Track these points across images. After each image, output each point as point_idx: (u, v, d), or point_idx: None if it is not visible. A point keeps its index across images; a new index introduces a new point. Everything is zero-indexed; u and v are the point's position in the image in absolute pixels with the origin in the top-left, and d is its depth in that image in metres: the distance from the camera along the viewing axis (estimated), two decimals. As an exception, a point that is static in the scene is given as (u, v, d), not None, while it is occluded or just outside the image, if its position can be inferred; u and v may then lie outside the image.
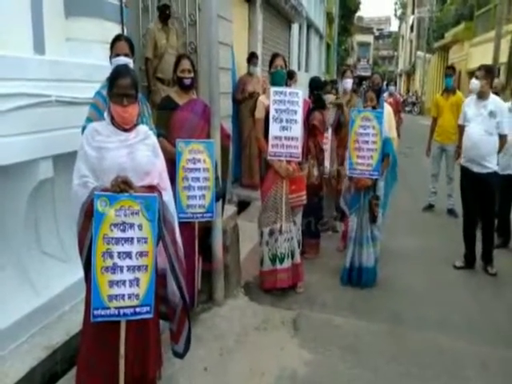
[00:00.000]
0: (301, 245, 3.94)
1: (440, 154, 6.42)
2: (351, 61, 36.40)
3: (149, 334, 2.19)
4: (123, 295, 2.01)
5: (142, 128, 2.24)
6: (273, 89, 3.62)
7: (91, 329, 2.08)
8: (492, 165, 4.25)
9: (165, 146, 2.91)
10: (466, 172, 4.42)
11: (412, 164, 9.41)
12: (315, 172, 4.56)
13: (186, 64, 3.18)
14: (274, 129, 3.58)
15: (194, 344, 2.62)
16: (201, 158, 3.04)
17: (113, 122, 2.12)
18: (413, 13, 39.60)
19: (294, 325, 3.33)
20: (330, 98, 5.48)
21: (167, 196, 2.21)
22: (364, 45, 48.67)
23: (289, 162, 3.64)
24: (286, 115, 3.59)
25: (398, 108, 7.33)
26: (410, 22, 40.87)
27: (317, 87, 4.85)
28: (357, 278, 4.02)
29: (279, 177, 3.66)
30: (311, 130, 4.44)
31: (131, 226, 2.01)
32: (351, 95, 5.97)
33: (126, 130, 2.13)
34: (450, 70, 6.63)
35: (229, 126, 5.78)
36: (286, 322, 3.36)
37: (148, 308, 2.08)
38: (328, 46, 19.98)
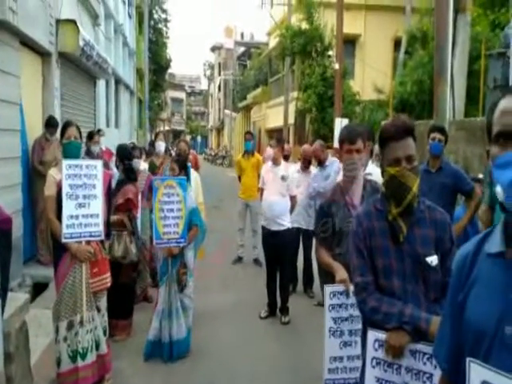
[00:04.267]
0: (107, 331, 3.52)
1: (245, 209, 6.90)
2: (165, 115, 37.39)
3: None
4: None
5: None
6: (65, 162, 3.22)
7: None
8: (286, 222, 4.77)
9: None
10: (265, 230, 4.87)
11: (222, 217, 9.74)
12: (133, 249, 4.23)
13: None
14: (68, 207, 3.18)
15: None
16: None
17: None
18: (219, 74, 43.53)
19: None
20: (139, 163, 5.27)
21: None
22: (177, 100, 50.83)
23: (88, 242, 3.26)
24: (82, 191, 3.24)
25: (197, 164, 7.40)
26: (218, 83, 44.69)
27: (126, 157, 4.41)
28: (168, 352, 3.83)
29: (77, 261, 3.22)
30: (126, 205, 4.19)
31: None
32: (164, 157, 5.99)
33: None
34: (248, 136, 7.29)
35: (18, 197, 5.00)
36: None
37: None
38: (140, 101, 20.00)
